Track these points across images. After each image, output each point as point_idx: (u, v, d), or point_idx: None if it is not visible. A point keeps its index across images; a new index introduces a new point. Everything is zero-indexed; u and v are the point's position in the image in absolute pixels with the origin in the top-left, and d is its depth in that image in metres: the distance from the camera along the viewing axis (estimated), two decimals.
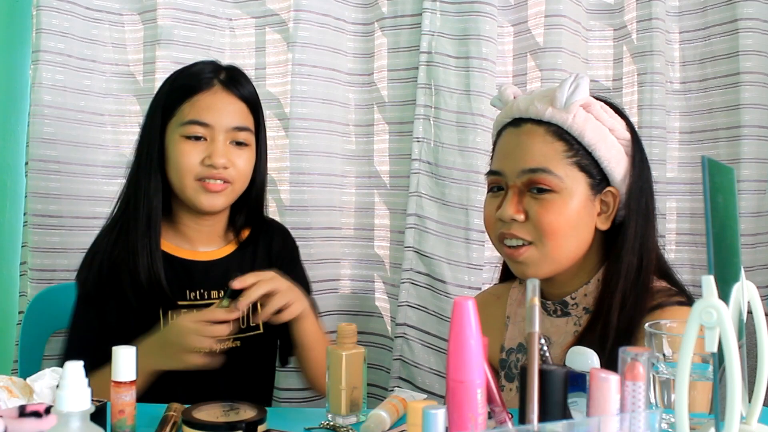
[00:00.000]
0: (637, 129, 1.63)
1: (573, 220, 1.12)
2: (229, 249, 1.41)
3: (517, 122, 1.17)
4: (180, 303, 1.32)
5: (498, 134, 1.22)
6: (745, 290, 0.78)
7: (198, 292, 1.34)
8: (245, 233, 1.43)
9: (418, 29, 1.74)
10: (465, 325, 0.71)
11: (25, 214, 1.76)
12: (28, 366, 1.56)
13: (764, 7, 1.66)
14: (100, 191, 1.82)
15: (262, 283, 1.18)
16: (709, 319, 0.67)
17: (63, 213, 1.77)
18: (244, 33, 1.87)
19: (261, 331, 1.37)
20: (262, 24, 1.85)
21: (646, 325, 0.89)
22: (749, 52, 1.66)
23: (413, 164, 1.74)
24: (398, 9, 1.79)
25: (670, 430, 0.82)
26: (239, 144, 1.32)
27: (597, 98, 1.18)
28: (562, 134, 1.12)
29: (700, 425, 0.78)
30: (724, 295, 0.70)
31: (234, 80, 1.34)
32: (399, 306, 1.74)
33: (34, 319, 1.61)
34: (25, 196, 1.76)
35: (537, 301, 0.74)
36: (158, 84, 1.77)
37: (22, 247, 1.78)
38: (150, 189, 1.30)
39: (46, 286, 1.73)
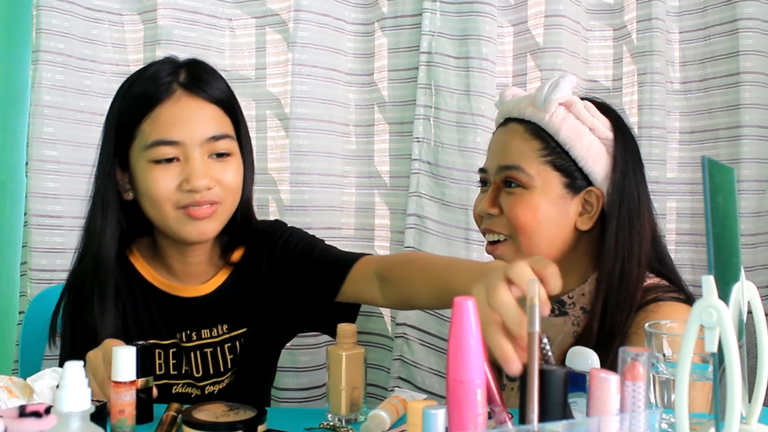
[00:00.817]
0: (636, 129, 1.63)
1: (541, 216, 1.14)
2: (223, 277, 1.23)
3: (506, 121, 1.21)
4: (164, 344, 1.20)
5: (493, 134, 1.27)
6: (745, 290, 0.78)
7: (186, 333, 1.20)
8: (238, 254, 1.24)
9: (418, 29, 1.74)
10: (465, 325, 0.71)
11: (25, 214, 1.76)
12: (28, 366, 1.56)
13: (764, 7, 1.66)
14: None
15: None
16: (709, 319, 0.67)
17: (63, 213, 1.77)
18: (244, 33, 1.87)
19: (244, 373, 1.24)
20: (262, 24, 1.85)
21: (646, 325, 0.89)
22: (749, 52, 1.66)
23: (413, 164, 1.74)
24: (398, 9, 1.79)
25: (670, 430, 0.82)
26: (220, 156, 1.12)
27: (585, 98, 1.18)
28: (539, 132, 1.15)
29: (700, 425, 0.79)
30: (724, 295, 0.70)
31: (198, 79, 1.13)
32: None
33: (35, 319, 1.59)
34: (26, 196, 1.76)
35: (537, 301, 0.74)
36: None
37: (23, 247, 1.78)
38: (103, 234, 1.12)
39: (46, 286, 1.73)
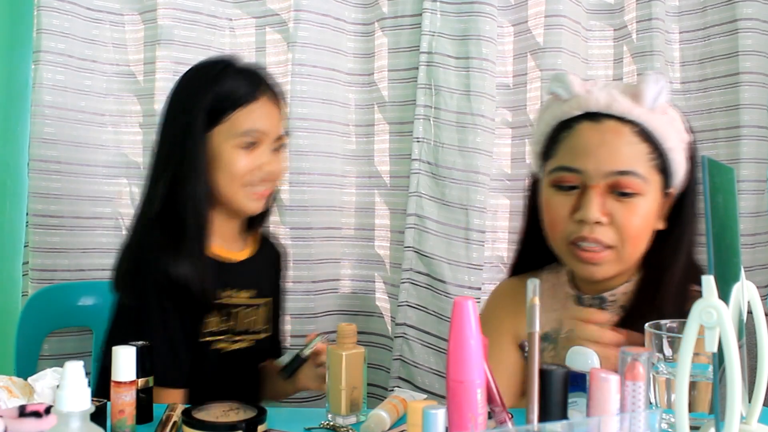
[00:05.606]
0: None
1: (651, 223, 1.12)
2: (250, 250, 1.42)
3: (596, 117, 1.12)
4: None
5: (565, 126, 1.15)
6: (745, 290, 0.78)
7: (229, 292, 1.35)
8: (257, 235, 1.46)
9: (419, 29, 1.74)
10: (465, 325, 0.71)
11: (26, 214, 1.76)
12: (24, 366, 1.56)
13: (764, 7, 1.66)
14: (101, 191, 1.82)
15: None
16: (709, 319, 0.67)
17: (64, 213, 1.77)
18: (244, 33, 1.87)
19: (269, 333, 1.42)
20: (263, 24, 1.85)
21: (646, 325, 0.89)
22: (749, 52, 1.66)
23: (413, 164, 1.74)
24: (398, 9, 1.79)
25: (670, 430, 0.82)
26: (276, 150, 1.36)
27: None
28: (647, 136, 1.10)
29: (700, 425, 0.79)
30: (724, 295, 0.70)
31: (276, 88, 1.38)
32: (399, 306, 1.74)
33: (31, 319, 1.60)
34: (27, 196, 1.76)
35: (537, 301, 0.74)
36: (159, 84, 1.78)
37: (24, 247, 1.78)
38: (198, 193, 1.29)
39: (47, 286, 1.73)
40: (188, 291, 1.25)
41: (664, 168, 1.12)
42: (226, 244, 1.37)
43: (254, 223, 1.44)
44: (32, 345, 1.61)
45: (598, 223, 1.10)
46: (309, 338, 1.28)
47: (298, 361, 1.28)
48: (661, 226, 1.15)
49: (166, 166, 1.31)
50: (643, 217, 1.10)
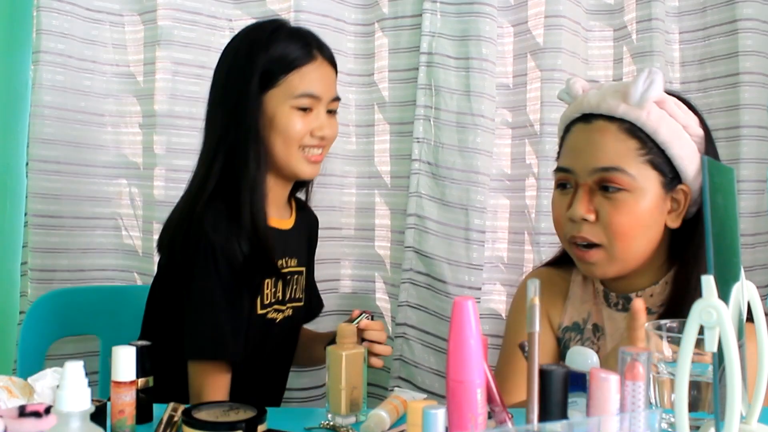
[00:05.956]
0: None
1: (644, 220, 1.11)
2: (293, 219, 1.42)
3: (588, 118, 1.15)
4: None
5: (566, 130, 1.20)
6: (745, 290, 0.78)
7: (281, 261, 1.35)
8: (295, 206, 1.45)
9: (419, 30, 1.74)
10: (465, 325, 0.71)
11: (25, 214, 1.76)
12: (29, 372, 1.54)
13: (764, 8, 1.66)
14: (101, 192, 1.82)
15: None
16: (709, 319, 0.67)
17: (63, 213, 1.77)
18: None
19: (302, 303, 1.44)
20: None
21: (646, 324, 0.89)
22: (749, 52, 1.66)
23: (413, 164, 1.74)
24: (398, 10, 1.79)
25: (670, 430, 0.82)
26: (330, 112, 1.35)
27: (670, 93, 1.16)
28: (635, 132, 1.11)
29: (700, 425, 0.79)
30: (724, 295, 0.70)
31: (329, 51, 1.37)
32: (399, 306, 1.74)
33: (35, 325, 1.55)
34: (26, 197, 1.76)
35: (537, 301, 0.74)
36: (159, 84, 1.79)
37: (23, 247, 1.78)
38: (257, 158, 1.28)
39: (46, 286, 1.73)
40: (255, 263, 1.24)
41: (660, 163, 1.11)
42: (278, 212, 1.37)
43: (295, 191, 1.44)
44: (36, 352, 1.56)
45: (586, 221, 1.12)
46: (354, 315, 1.26)
47: None
48: (674, 224, 1.14)
49: (224, 136, 1.29)
50: (632, 214, 1.10)
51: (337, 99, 1.36)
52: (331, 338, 1.21)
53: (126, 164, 1.85)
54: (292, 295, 1.40)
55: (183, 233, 1.25)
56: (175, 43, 1.79)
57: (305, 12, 1.77)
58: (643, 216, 1.11)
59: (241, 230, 1.24)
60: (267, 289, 1.31)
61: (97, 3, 1.81)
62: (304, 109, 1.30)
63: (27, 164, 1.75)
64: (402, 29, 1.79)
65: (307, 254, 1.48)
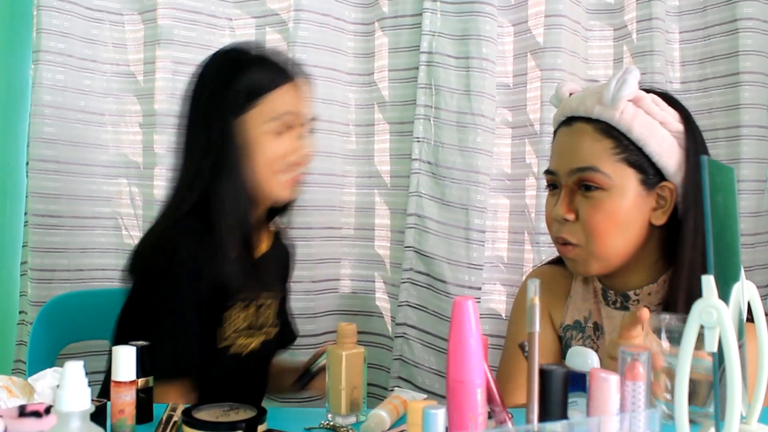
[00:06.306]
0: None
1: (621, 218, 1.12)
2: (266, 245, 1.39)
3: (569, 121, 1.18)
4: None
5: (554, 133, 1.23)
6: (745, 290, 0.78)
7: (252, 289, 1.33)
8: (271, 232, 1.42)
9: (419, 29, 1.74)
10: (465, 325, 0.71)
11: (25, 214, 1.76)
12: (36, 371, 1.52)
13: (764, 7, 1.66)
14: (101, 191, 1.82)
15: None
16: (709, 319, 0.67)
17: (63, 213, 1.77)
18: (244, 33, 1.87)
19: (277, 329, 1.41)
20: (262, 24, 1.85)
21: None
22: (749, 52, 1.66)
23: (413, 164, 1.74)
24: (398, 9, 1.79)
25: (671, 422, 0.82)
26: (307, 132, 1.34)
27: (650, 90, 1.16)
28: (609, 131, 1.12)
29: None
30: (724, 295, 0.70)
31: (301, 72, 1.35)
32: (399, 306, 1.74)
33: (45, 329, 1.51)
34: (26, 196, 1.76)
35: (537, 300, 0.74)
36: (159, 84, 1.79)
37: (23, 246, 1.78)
38: (238, 184, 1.26)
39: (46, 286, 1.73)
40: (224, 290, 1.23)
41: (637, 161, 1.12)
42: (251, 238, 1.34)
43: (272, 217, 1.41)
44: (47, 360, 1.51)
45: (567, 221, 1.14)
46: (316, 354, 1.28)
47: (309, 376, 1.31)
48: (658, 221, 1.14)
49: (202, 158, 1.27)
50: (608, 212, 1.11)
51: (311, 120, 1.35)
52: (301, 372, 1.28)
53: (126, 163, 1.85)
54: (265, 323, 1.37)
55: (152, 248, 1.25)
56: (175, 42, 1.79)
57: (305, 11, 1.77)
58: (619, 214, 1.12)
59: (214, 255, 1.21)
60: (235, 315, 1.29)
61: (97, 2, 1.81)
62: (280, 132, 1.28)
63: (27, 163, 1.75)
64: (402, 28, 1.79)
65: (279, 284, 1.45)
